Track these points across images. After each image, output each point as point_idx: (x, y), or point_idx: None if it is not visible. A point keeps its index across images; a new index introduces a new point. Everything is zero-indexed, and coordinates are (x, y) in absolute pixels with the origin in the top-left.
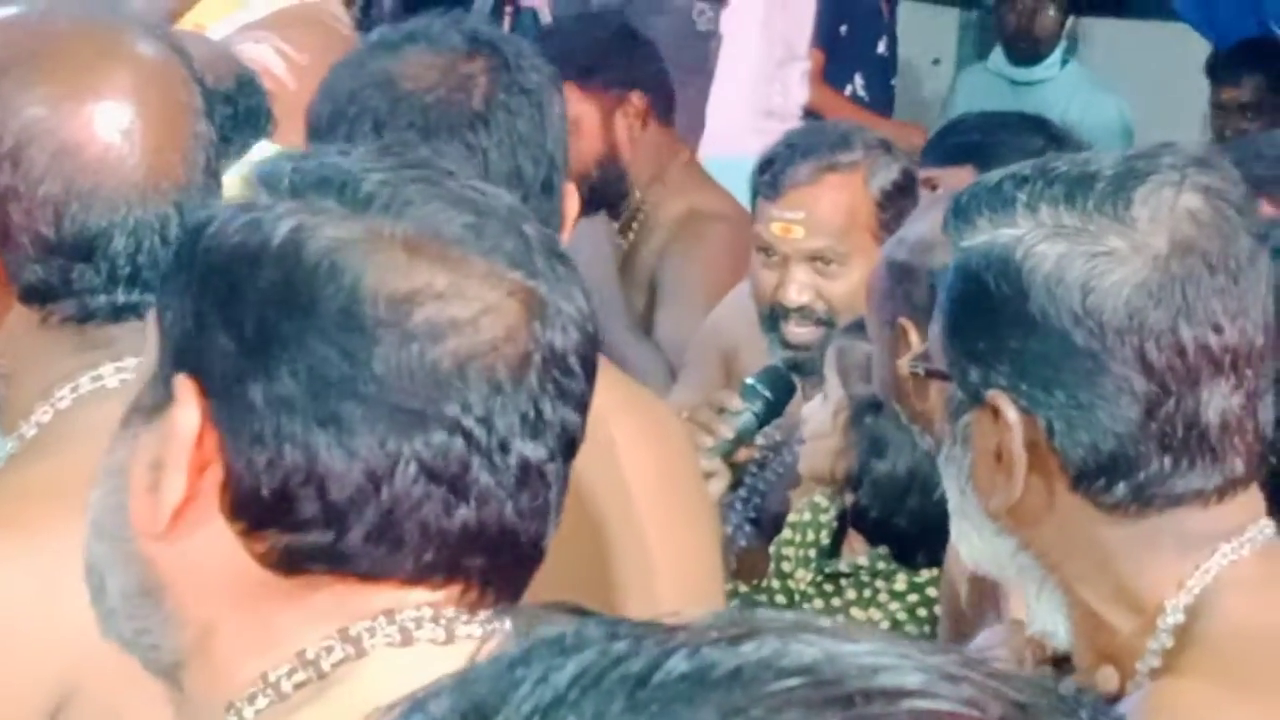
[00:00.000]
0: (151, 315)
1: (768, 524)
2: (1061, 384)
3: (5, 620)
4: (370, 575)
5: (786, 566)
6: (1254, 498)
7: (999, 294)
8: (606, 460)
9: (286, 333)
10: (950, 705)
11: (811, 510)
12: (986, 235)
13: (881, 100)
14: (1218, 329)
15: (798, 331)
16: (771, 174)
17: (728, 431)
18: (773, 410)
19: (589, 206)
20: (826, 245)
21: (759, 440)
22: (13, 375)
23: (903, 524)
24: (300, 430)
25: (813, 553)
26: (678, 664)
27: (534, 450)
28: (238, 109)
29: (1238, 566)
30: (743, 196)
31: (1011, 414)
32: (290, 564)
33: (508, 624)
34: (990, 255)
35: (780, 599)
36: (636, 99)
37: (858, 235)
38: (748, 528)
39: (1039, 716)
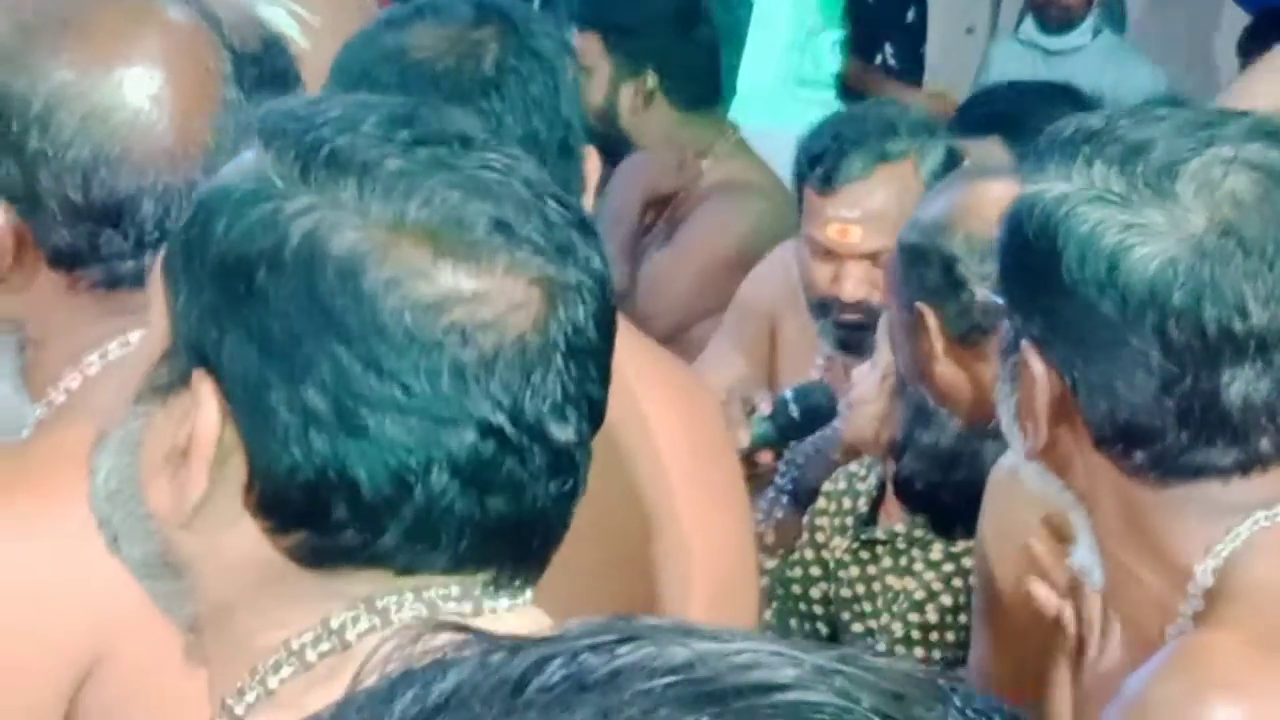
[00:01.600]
0: (156, 284)
1: (804, 496)
2: (1084, 349)
3: (33, 586)
4: (406, 570)
5: (821, 536)
6: None
7: (1036, 249)
8: (638, 432)
9: (310, 343)
10: (821, 697)
11: (847, 479)
12: (1047, 183)
13: (912, 69)
14: (1244, 313)
15: (849, 317)
16: (823, 169)
17: (743, 439)
18: (798, 430)
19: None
20: (883, 245)
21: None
22: (41, 341)
23: (947, 496)
24: (327, 440)
25: (849, 520)
26: (555, 670)
27: (563, 432)
28: (264, 70)
29: (1269, 533)
30: (777, 165)
31: (1038, 368)
32: (320, 560)
33: (530, 595)
34: (1036, 208)
35: (815, 569)
36: (650, 79)
37: None
38: (785, 499)
39: (912, 706)
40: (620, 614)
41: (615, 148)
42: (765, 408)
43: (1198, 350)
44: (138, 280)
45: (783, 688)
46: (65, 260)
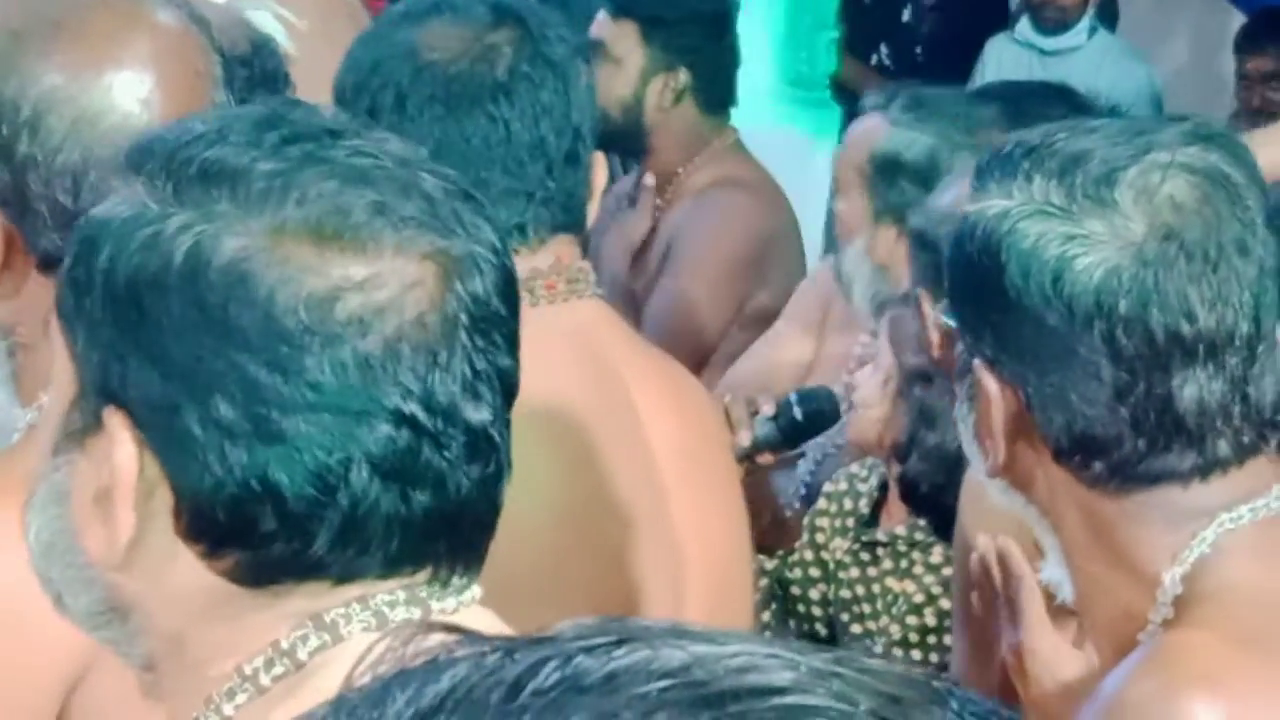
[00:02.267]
0: (55, 332)
1: (815, 495)
2: (1035, 363)
3: (26, 589)
4: (342, 578)
5: (820, 537)
6: (1260, 469)
7: (981, 266)
8: (629, 430)
9: (210, 358)
10: (818, 700)
11: (848, 480)
12: (988, 201)
13: (907, 69)
14: (1190, 317)
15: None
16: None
17: (745, 439)
18: (801, 432)
19: (602, 143)
20: None
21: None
22: (32, 346)
23: (951, 498)
24: (244, 453)
25: (850, 522)
26: (550, 673)
27: (477, 412)
28: (254, 72)
29: (1236, 535)
30: (769, 164)
31: (991, 386)
32: (258, 577)
33: (478, 591)
34: (978, 226)
35: (814, 570)
36: (682, 75)
37: None
38: (797, 503)
39: (910, 709)
40: (614, 616)
41: (629, 142)
42: (768, 409)
43: (1147, 356)
44: None
45: (780, 690)
46: (55, 265)
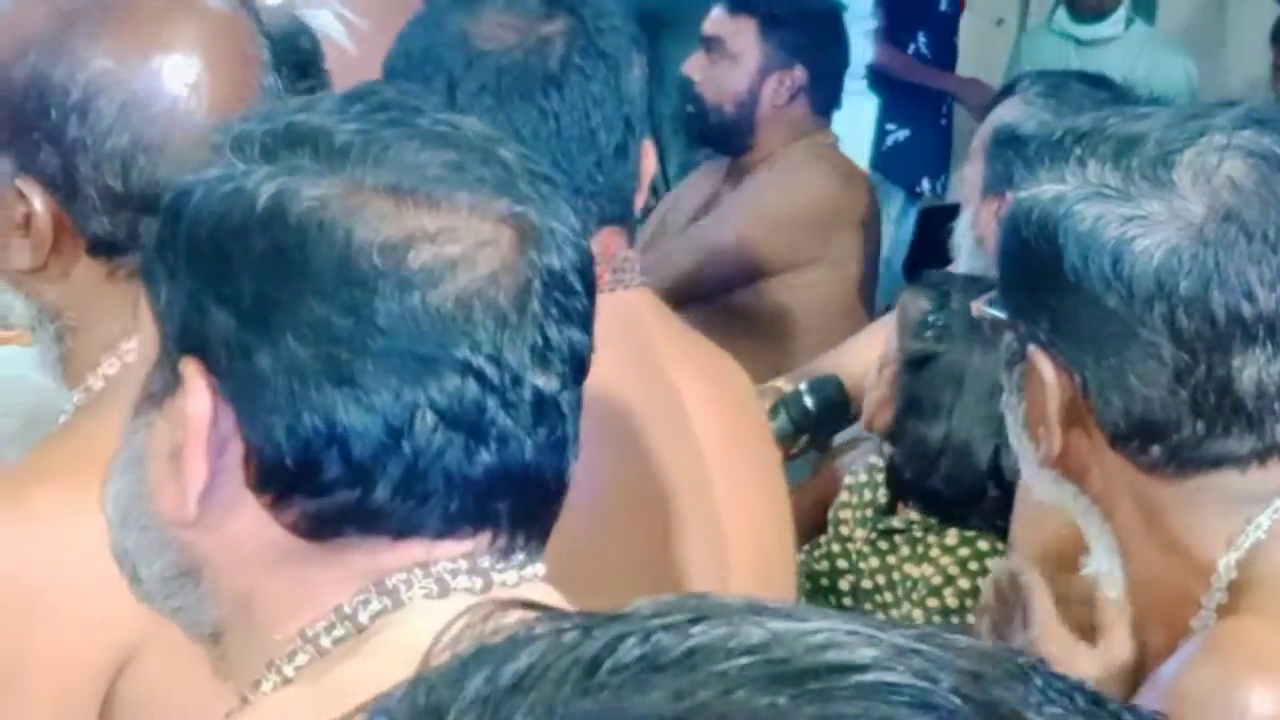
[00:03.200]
0: (142, 301)
1: None
2: (1094, 346)
3: (72, 574)
4: (400, 532)
5: (845, 529)
6: None
7: (1038, 251)
8: (673, 418)
9: (285, 298)
10: (899, 678)
11: (868, 471)
12: (1040, 187)
13: (945, 58)
14: (1251, 297)
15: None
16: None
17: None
18: (813, 423)
19: (706, 137)
20: None
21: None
22: (79, 328)
23: (938, 485)
24: (314, 393)
25: (869, 512)
26: (629, 650)
27: (546, 381)
28: (291, 49)
29: None
30: None
31: (1048, 373)
32: (320, 530)
33: (540, 568)
34: (1034, 211)
35: (841, 562)
36: (798, 73)
37: None
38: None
39: (992, 686)
40: (693, 593)
41: (735, 138)
42: (787, 389)
43: (1208, 337)
44: None
45: (861, 668)
46: (104, 248)
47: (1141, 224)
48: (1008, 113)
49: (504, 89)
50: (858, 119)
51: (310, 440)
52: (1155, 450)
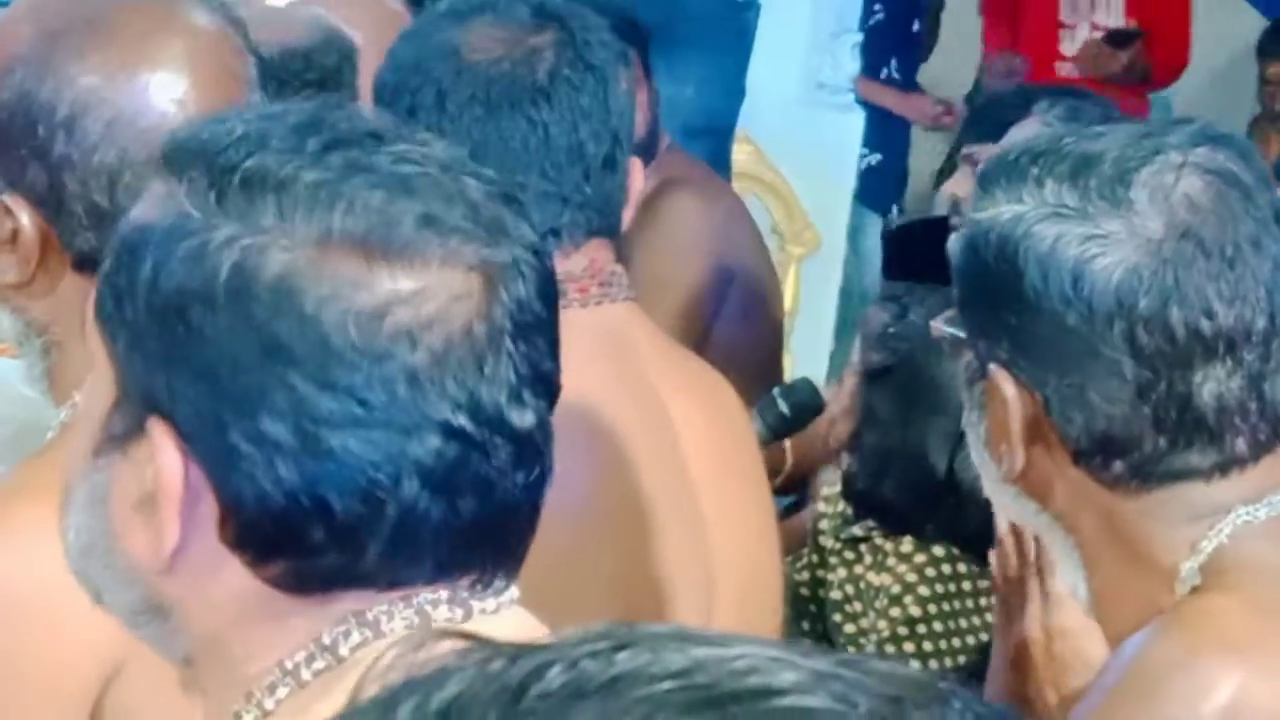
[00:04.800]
0: (94, 334)
1: None
2: (1055, 364)
3: (58, 587)
4: (391, 585)
5: (823, 540)
6: (1274, 465)
7: (997, 271)
8: (660, 432)
9: (259, 376)
10: (818, 702)
11: (842, 482)
12: (998, 208)
13: (910, 79)
14: (1209, 313)
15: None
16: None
17: None
18: (789, 425)
19: None
20: None
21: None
22: (65, 343)
23: (889, 494)
24: (293, 467)
25: (840, 521)
26: (554, 677)
27: (523, 418)
28: (311, 66)
29: (1252, 528)
30: (790, 171)
31: (1009, 390)
32: (306, 585)
33: (515, 592)
34: (992, 232)
35: (820, 572)
36: None
37: None
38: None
39: (911, 710)
40: (621, 621)
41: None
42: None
43: (1168, 354)
44: None
45: (781, 692)
46: (90, 264)
47: (1101, 243)
48: (1027, 133)
49: (493, 100)
50: (846, 133)
51: (288, 509)
52: (1118, 466)
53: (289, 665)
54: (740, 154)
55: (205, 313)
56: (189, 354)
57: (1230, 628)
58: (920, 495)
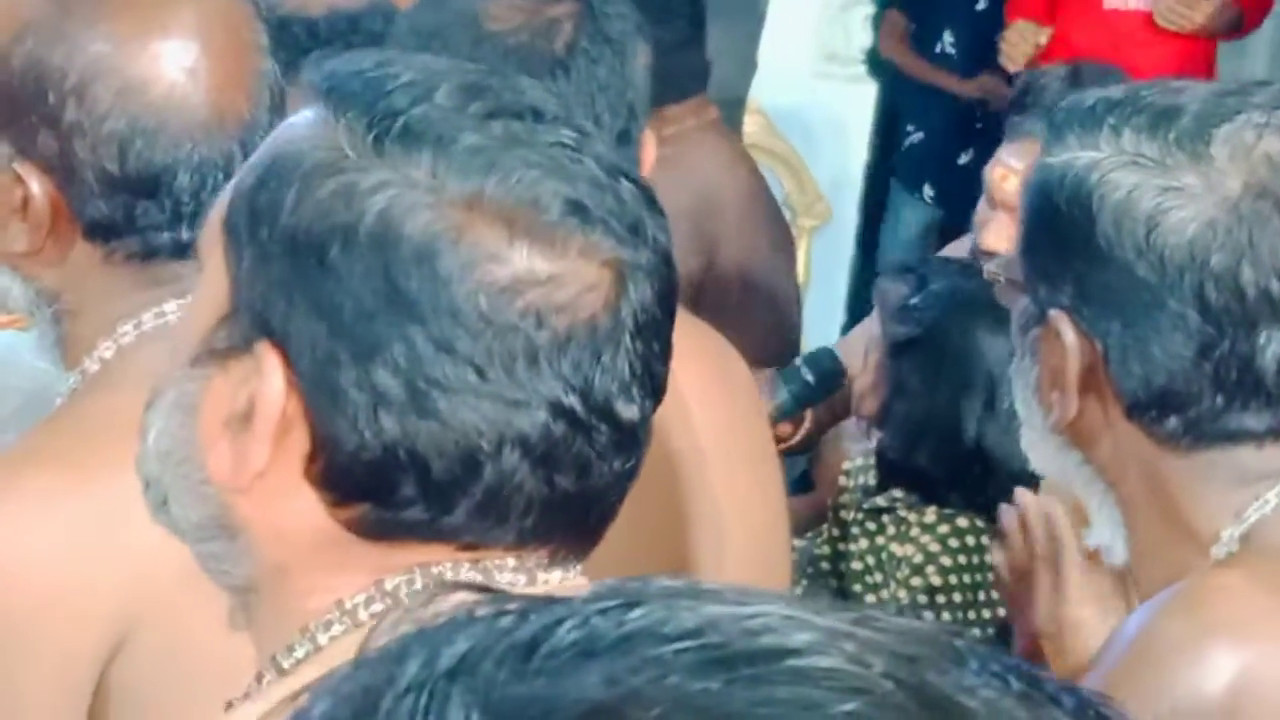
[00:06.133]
0: (212, 242)
1: None
2: (1120, 314)
3: (65, 556)
4: (472, 545)
5: (844, 514)
6: None
7: (1069, 216)
8: (672, 404)
9: (383, 325)
10: (832, 662)
11: (865, 456)
12: (1072, 153)
13: (973, 58)
14: None
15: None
16: (1014, 120)
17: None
18: (814, 393)
19: None
20: None
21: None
22: (76, 311)
23: (922, 463)
24: (397, 420)
25: (860, 494)
26: (565, 634)
27: (629, 411)
28: (360, 30)
29: None
30: (801, 142)
31: (1070, 336)
32: (382, 533)
33: (579, 574)
34: (1066, 176)
35: (841, 545)
36: None
37: None
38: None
39: (925, 669)
40: (634, 577)
41: None
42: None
43: (1235, 312)
44: (173, 252)
45: (794, 652)
46: (101, 232)
47: (1177, 195)
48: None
49: (511, 70)
50: (857, 105)
51: (384, 459)
52: (1172, 421)
53: (348, 605)
54: (751, 125)
55: (343, 253)
56: (317, 288)
57: (1239, 607)
58: (951, 464)
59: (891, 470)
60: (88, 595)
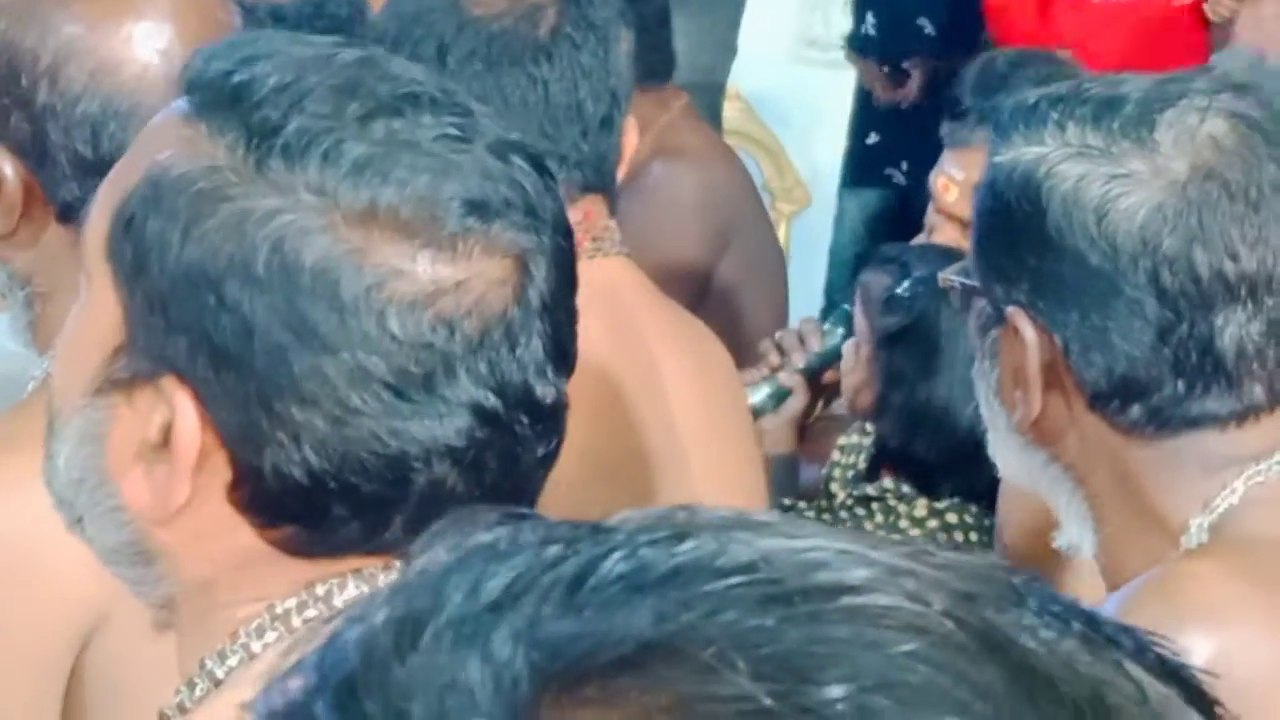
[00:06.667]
0: (99, 265)
1: None
2: (1077, 305)
3: (38, 541)
4: (407, 554)
5: (834, 487)
6: None
7: (1020, 211)
8: (651, 388)
9: (294, 358)
10: (889, 599)
11: (859, 434)
12: (1018, 151)
13: (957, 37)
14: (1234, 256)
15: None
16: (951, 126)
17: (815, 346)
18: (813, 370)
19: None
20: None
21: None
22: (50, 295)
23: (921, 451)
24: (319, 451)
25: (850, 474)
26: (613, 566)
27: (546, 392)
28: (323, 14)
29: (1264, 488)
30: (780, 127)
31: (1029, 333)
32: (314, 550)
33: None
34: (1014, 172)
35: (826, 517)
36: None
37: None
38: None
39: (984, 608)
40: (681, 505)
41: None
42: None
43: (1191, 295)
44: None
45: (852, 589)
46: (74, 214)
47: (1125, 182)
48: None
49: (494, 55)
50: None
51: (313, 488)
52: (1135, 410)
53: (279, 610)
54: (731, 111)
55: (241, 289)
56: (218, 327)
57: (1210, 595)
58: (949, 450)
59: (893, 460)
60: (62, 579)
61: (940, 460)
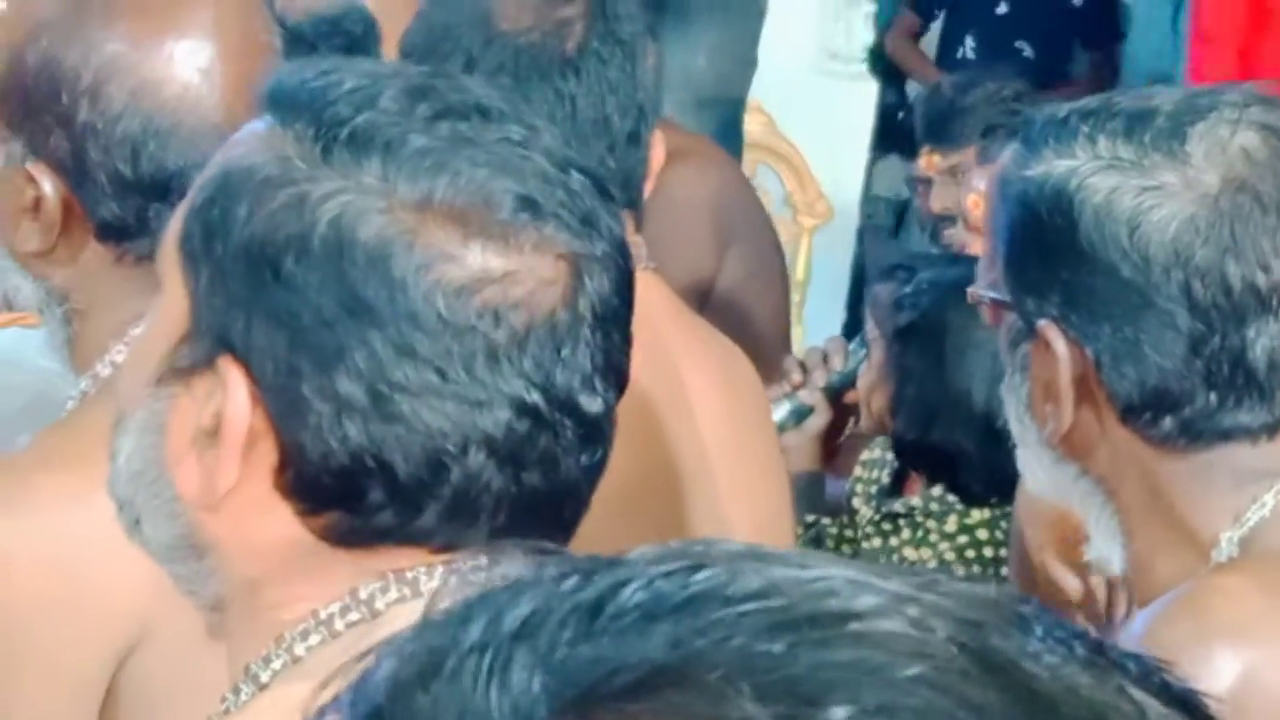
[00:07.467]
0: (169, 263)
1: None
2: (1108, 317)
3: (78, 560)
4: (444, 548)
5: (857, 503)
6: None
7: (1051, 224)
8: (678, 401)
9: (342, 332)
10: (894, 625)
11: (882, 448)
12: (1048, 164)
13: (992, 62)
14: (1265, 268)
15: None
16: (983, 144)
17: (839, 365)
18: (835, 390)
19: None
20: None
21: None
22: (87, 313)
23: (938, 441)
24: (362, 426)
25: (874, 490)
26: (630, 596)
27: (592, 404)
28: (338, 31)
29: None
30: (802, 140)
31: (1060, 346)
32: (354, 540)
33: None
34: (1045, 186)
35: (849, 532)
36: None
37: None
38: None
39: (989, 634)
40: (695, 539)
41: None
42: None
43: (1223, 307)
44: None
45: (858, 616)
46: (113, 233)
47: (1156, 194)
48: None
49: (521, 70)
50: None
51: (351, 467)
52: (1167, 423)
53: (323, 615)
54: (752, 124)
55: (296, 263)
56: (274, 301)
57: (1238, 610)
58: (970, 439)
59: (911, 454)
60: (101, 598)
61: (958, 450)
